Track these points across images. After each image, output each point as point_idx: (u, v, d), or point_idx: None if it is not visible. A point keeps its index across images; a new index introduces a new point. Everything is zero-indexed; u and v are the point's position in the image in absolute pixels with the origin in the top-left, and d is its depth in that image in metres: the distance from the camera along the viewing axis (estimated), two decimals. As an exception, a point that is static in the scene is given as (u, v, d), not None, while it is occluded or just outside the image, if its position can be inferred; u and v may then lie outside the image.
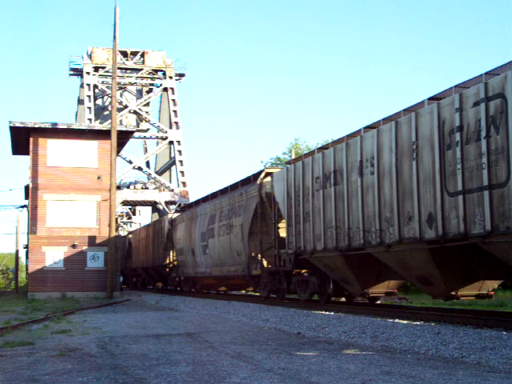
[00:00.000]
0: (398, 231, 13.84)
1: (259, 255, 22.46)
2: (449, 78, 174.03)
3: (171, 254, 35.84)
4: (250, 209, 22.96)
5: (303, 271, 19.71)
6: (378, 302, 19.95)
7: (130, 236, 51.37)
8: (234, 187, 26.61)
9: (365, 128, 15.99)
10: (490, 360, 8.45)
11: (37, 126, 32.04)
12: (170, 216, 36.90)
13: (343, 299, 21.20)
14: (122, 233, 76.28)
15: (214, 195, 29.34)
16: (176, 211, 37.91)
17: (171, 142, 61.92)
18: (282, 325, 14.10)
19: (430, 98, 13.51)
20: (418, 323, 12.74)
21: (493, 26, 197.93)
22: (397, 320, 13.61)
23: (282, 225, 20.68)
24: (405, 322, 13.19)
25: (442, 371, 7.77)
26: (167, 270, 36.39)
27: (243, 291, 33.87)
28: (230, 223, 25.07)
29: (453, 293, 13.64)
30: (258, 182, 22.61)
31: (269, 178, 22.17)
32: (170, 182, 64.61)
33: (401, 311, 15.22)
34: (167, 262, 36.19)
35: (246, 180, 25.10)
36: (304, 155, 19.71)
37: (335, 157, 16.65)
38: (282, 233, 20.61)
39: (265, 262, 22.12)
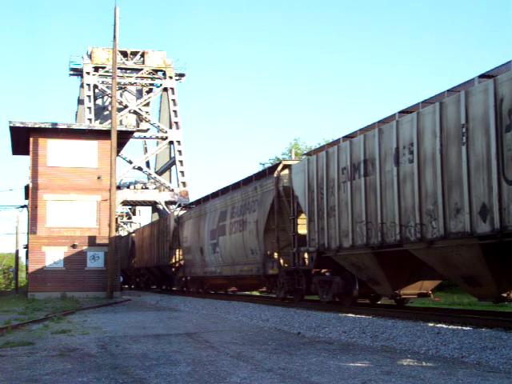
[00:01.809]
0: (442, 225, 12.43)
1: (275, 253, 21.06)
2: (449, 77, 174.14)
3: (177, 252, 34.66)
4: (266, 204, 21.59)
5: (323, 271, 18.39)
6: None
7: (134, 235, 50.32)
8: (246, 181, 25.23)
9: (400, 112, 14.68)
10: (490, 360, 8.45)
11: (37, 126, 32.04)
12: (176, 213, 35.62)
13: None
14: (122, 233, 76.38)
15: (224, 190, 27.91)
16: (182, 208, 36.64)
17: (171, 142, 61.97)
18: (282, 325, 14.10)
19: (482, 76, 12.27)
20: (418, 323, 12.73)
21: (493, 25, 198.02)
22: (397, 320, 13.60)
23: (302, 221, 19.32)
24: (405, 322, 13.17)
25: (441, 371, 7.77)
26: (173, 269, 35.25)
27: (254, 292, 32.82)
28: (243, 219, 23.74)
29: (504, 294, 12.26)
30: (275, 174, 21.13)
31: (286, 171, 20.87)
32: (170, 181, 64.63)
33: (401, 311, 15.17)
34: (173, 261, 35.07)
35: (261, 173, 23.85)
36: (327, 145, 18.16)
37: (365, 145, 15.27)
38: (301, 229, 19.27)
39: (281, 261, 20.77)
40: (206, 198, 30.64)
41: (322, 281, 18.23)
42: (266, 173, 22.93)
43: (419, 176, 13.25)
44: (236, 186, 26.37)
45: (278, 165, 21.75)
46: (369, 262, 15.52)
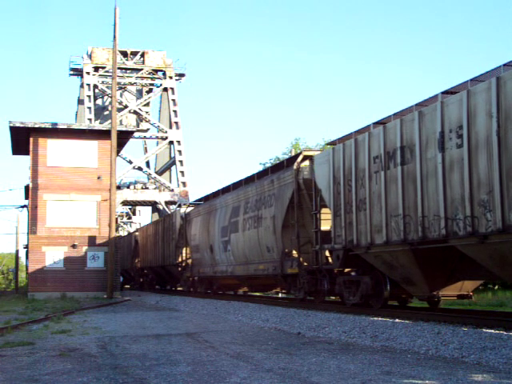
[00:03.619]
0: (500, 217, 10.91)
1: (294, 251, 19.60)
2: (449, 77, 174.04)
3: (184, 251, 33.08)
4: (285, 198, 20.04)
5: (346, 270, 17.15)
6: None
7: (137, 233, 48.74)
8: (261, 175, 23.78)
9: (443, 93, 13.19)
10: (490, 360, 8.43)
11: (37, 126, 32.01)
12: (182, 210, 34.00)
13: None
14: (122, 233, 76.30)
15: (236, 185, 26.33)
16: (190, 205, 34.69)
17: (171, 142, 62.03)
18: (282, 325, 14.08)
19: None
20: (418, 323, 12.72)
21: (493, 25, 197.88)
22: (397, 320, 13.54)
23: (324, 216, 17.94)
24: (405, 321, 13.15)
25: (441, 371, 7.77)
26: (179, 269, 33.69)
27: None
28: (258, 215, 22.20)
29: None
30: (295, 166, 19.43)
31: (307, 162, 19.34)
32: (170, 182, 64.67)
33: (401, 311, 15.11)
34: (179, 260, 33.55)
35: (278, 165, 22.40)
36: (355, 132, 16.49)
37: (402, 130, 13.74)
38: (324, 225, 17.95)
39: (300, 259, 19.31)
40: (216, 194, 29.05)
41: (349, 281, 16.83)
42: (284, 165, 21.42)
43: (470, 162, 11.69)
44: (249, 180, 24.94)
45: (297, 156, 20.04)
46: (405, 259, 14.02)
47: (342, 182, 16.30)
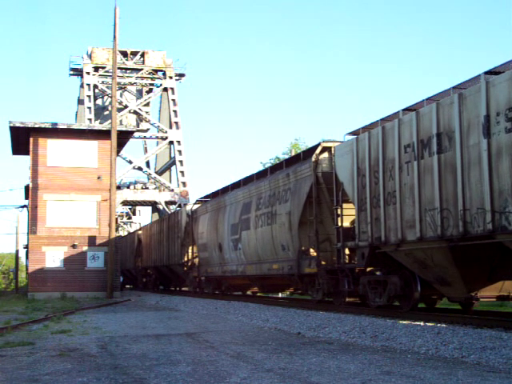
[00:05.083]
0: None
1: (312, 249, 18.53)
2: (448, 77, 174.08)
3: (190, 250, 31.79)
4: (302, 192, 18.86)
5: (369, 269, 16.07)
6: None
7: (140, 232, 47.58)
8: (275, 168, 22.66)
9: (486, 73, 11.90)
10: (490, 360, 8.43)
11: (37, 126, 32.05)
12: (188, 207, 32.72)
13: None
14: (122, 233, 76.32)
15: (247, 180, 25.10)
16: (196, 202, 33.05)
17: (171, 142, 62.05)
18: (282, 325, 14.06)
19: None
20: (418, 323, 12.70)
21: (492, 25, 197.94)
22: (397, 320, 13.58)
23: (346, 211, 16.89)
24: (405, 322, 13.07)
25: (441, 371, 7.76)
26: (185, 268, 32.41)
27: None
28: (271, 211, 21.00)
29: None
30: (313, 158, 18.24)
31: (326, 154, 18.27)
32: (170, 182, 64.68)
33: (401, 311, 15.09)
34: (185, 259, 32.31)
35: (294, 158, 21.19)
36: (381, 120, 15.27)
37: (439, 115, 12.52)
38: (345, 221, 16.98)
39: (319, 258, 18.22)
40: (225, 190, 27.69)
41: (374, 281, 15.65)
42: (301, 157, 20.17)
43: None
44: (262, 175, 23.73)
45: (316, 147, 18.76)
46: (440, 257, 12.85)
47: (367, 174, 15.13)
